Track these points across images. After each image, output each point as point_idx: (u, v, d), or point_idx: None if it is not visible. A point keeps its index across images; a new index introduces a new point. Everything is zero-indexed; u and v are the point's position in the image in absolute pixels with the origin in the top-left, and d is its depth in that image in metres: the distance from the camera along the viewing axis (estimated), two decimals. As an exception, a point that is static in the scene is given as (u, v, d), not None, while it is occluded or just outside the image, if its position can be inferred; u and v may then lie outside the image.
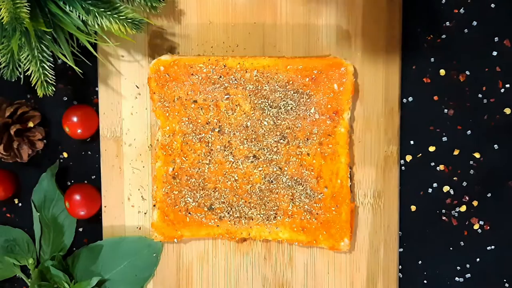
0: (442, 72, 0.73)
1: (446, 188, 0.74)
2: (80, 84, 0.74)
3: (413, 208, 0.74)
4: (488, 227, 0.74)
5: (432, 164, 0.74)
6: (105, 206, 0.73)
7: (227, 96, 0.70)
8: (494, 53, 0.73)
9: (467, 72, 0.73)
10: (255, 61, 0.69)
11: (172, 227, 0.71)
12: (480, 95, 0.73)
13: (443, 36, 0.73)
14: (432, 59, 0.73)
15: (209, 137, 0.70)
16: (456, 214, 0.74)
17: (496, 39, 0.73)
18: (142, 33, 0.71)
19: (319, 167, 0.70)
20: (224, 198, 0.71)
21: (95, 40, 0.66)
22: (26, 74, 0.65)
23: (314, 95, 0.70)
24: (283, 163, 0.70)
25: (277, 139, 0.70)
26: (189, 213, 0.71)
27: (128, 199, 0.73)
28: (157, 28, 0.72)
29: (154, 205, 0.71)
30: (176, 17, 0.72)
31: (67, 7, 0.64)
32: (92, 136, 0.74)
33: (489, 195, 0.74)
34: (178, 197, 0.71)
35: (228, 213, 0.71)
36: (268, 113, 0.70)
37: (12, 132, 0.71)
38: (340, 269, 0.73)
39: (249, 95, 0.70)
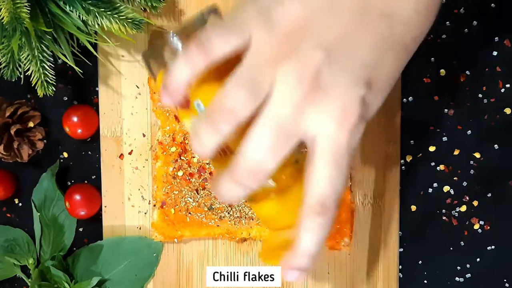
0: (442, 72, 0.73)
1: (446, 188, 0.74)
2: (80, 84, 0.74)
3: (413, 208, 0.74)
4: (488, 227, 0.74)
5: (432, 164, 0.74)
6: (105, 206, 0.73)
7: (227, 96, 0.70)
8: (494, 53, 0.73)
9: (467, 72, 0.73)
10: (255, 61, 0.69)
11: (172, 227, 0.71)
12: (480, 95, 0.73)
13: (443, 36, 0.73)
14: (432, 59, 0.73)
15: (209, 137, 0.70)
16: (456, 214, 0.74)
17: (496, 39, 0.73)
18: (142, 33, 0.71)
19: (319, 167, 0.70)
20: (224, 198, 0.71)
21: (95, 40, 0.66)
22: (26, 74, 0.65)
23: (314, 95, 0.70)
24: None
25: (277, 139, 0.70)
26: (189, 213, 0.71)
27: (128, 199, 0.73)
28: (157, 28, 0.72)
29: (154, 205, 0.71)
30: (176, 17, 0.72)
31: (67, 7, 0.64)
32: (92, 136, 0.74)
33: (489, 195, 0.74)
34: (178, 197, 0.71)
35: (228, 213, 0.71)
36: (268, 113, 0.70)
37: (12, 132, 0.71)
38: (340, 269, 0.73)
39: (249, 95, 0.70)
